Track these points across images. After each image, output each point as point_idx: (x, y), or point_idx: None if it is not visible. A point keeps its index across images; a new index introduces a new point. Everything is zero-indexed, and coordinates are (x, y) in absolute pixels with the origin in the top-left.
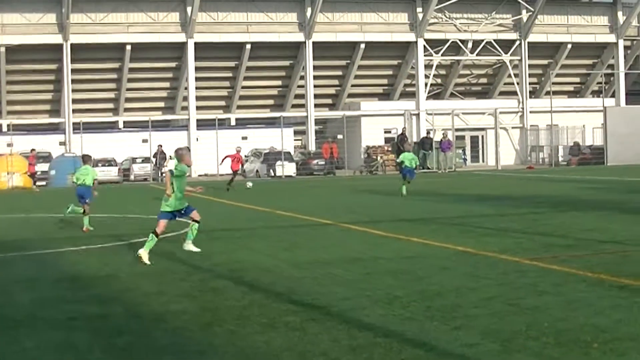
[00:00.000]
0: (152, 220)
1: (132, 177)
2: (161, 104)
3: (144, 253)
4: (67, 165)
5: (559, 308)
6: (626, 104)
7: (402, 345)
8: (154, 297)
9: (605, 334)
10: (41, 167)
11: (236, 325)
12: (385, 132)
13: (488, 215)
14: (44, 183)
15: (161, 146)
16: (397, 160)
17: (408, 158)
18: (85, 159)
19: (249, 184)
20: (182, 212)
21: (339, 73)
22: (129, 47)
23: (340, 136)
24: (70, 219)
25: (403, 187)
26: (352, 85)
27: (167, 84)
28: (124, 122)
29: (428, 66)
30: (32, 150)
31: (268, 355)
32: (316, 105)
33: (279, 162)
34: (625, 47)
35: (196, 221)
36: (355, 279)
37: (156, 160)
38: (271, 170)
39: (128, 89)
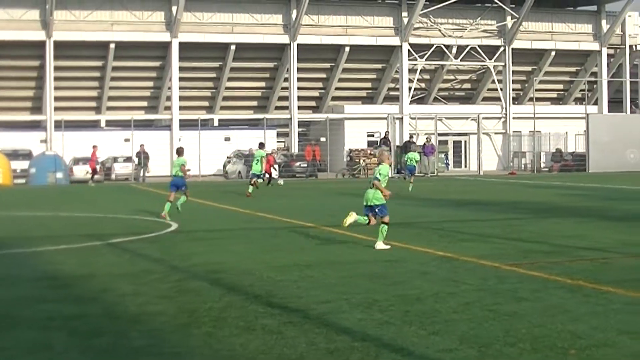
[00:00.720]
0: (132, 220)
1: (113, 177)
2: (144, 104)
3: (380, 244)
4: (47, 163)
5: (536, 314)
6: (608, 111)
7: (380, 349)
8: (131, 298)
9: (582, 340)
10: (21, 164)
11: (213, 327)
12: (368, 135)
13: (469, 220)
14: (23, 181)
15: (143, 145)
16: (404, 159)
17: (410, 157)
18: (180, 151)
19: (281, 181)
20: (374, 208)
21: (323, 76)
22: (112, 46)
23: (323, 139)
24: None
25: (410, 185)
26: (336, 88)
27: (150, 84)
28: (107, 120)
29: (412, 70)
30: (94, 146)
31: (245, 358)
32: (300, 108)
33: None
34: (609, 55)
35: (385, 223)
36: (334, 283)
37: (139, 159)
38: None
39: (111, 88)
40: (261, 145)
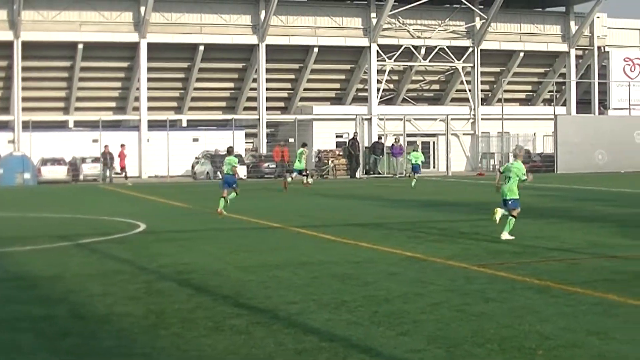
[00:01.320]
0: (100, 221)
1: (81, 177)
2: (112, 104)
3: (505, 235)
4: (15, 164)
5: (505, 315)
6: (577, 112)
7: (348, 350)
8: (99, 299)
9: (549, 340)
10: None
11: (182, 328)
12: (336, 136)
13: (437, 221)
14: None
15: (107, 146)
16: (408, 158)
17: (415, 157)
18: (230, 150)
19: (310, 180)
20: (508, 202)
21: (292, 76)
22: (80, 46)
23: (291, 140)
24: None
25: (413, 180)
26: (305, 89)
27: (118, 84)
28: (75, 121)
29: (381, 71)
30: (122, 145)
31: (213, 359)
32: (268, 109)
33: None
34: (577, 57)
35: (513, 216)
36: (303, 283)
37: (105, 160)
38: (218, 173)
39: (79, 88)
40: (304, 145)
